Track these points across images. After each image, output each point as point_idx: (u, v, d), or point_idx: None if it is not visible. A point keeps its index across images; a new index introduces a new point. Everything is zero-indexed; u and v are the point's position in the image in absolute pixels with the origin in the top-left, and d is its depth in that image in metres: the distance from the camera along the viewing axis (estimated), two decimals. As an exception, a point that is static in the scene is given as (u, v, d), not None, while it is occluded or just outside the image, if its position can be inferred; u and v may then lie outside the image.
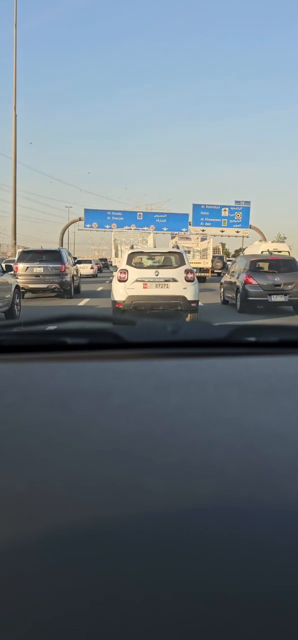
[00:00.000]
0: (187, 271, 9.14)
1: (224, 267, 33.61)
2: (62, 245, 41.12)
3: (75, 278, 15.90)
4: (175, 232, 41.39)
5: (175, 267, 9.28)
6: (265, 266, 11.56)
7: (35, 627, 0.31)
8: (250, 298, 10.87)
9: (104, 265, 42.14)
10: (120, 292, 8.97)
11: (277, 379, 0.80)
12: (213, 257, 34.94)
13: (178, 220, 41.61)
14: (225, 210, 42.12)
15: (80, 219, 41.73)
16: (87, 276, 28.26)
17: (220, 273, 32.79)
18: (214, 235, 42.79)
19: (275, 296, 10.78)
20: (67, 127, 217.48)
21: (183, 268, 9.18)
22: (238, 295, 11.26)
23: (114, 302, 9.16)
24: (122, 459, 0.51)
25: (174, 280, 9.00)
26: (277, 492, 0.46)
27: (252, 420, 0.61)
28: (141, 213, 41.43)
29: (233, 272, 12.47)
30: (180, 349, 0.92)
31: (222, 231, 42.15)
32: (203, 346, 0.95)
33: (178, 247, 12.99)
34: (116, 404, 0.66)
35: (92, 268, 30.95)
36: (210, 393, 0.71)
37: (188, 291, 8.99)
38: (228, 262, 37.63)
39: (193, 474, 0.48)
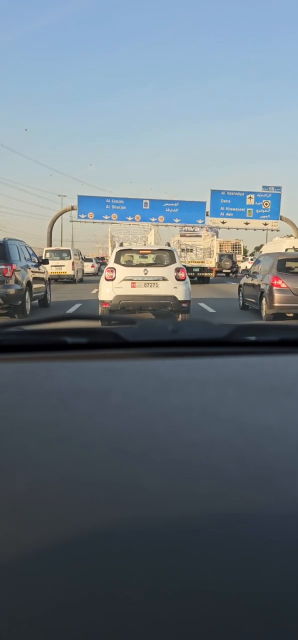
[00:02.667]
0: (177, 269, 8.72)
1: (233, 266, 29.51)
2: (50, 244, 34.01)
3: (37, 285, 10.59)
4: (188, 225, 34.15)
5: (165, 266, 8.84)
6: (295, 266, 10.05)
7: (34, 626, 0.31)
8: (278, 304, 9.40)
9: (102, 264, 35.38)
10: (108, 292, 8.57)
11: (277, 378, 0.80)
12: (222, 255, 32.04)
13: (193, 209, 34.20)
14: (250, 197, 34.59)
15: (72, 208, 34.41)
16: (89, 274, 28.89)
17: (228, 273, 30.16)
18: (237, 229, 35.30)
19: None
20: (71, 123, 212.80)
21: (173, 266, 8.76)
22: (263, 300, 9.88)
23: (101, 302, 8.67)
24: (121, 458, 0.51)
25: (164, 279, 8.60)
26: (277, 491, 0.46)
27: (252, 420, 0.62)
28: (147, 201, 34.04)
29: (255, 272, 11.08)
30: (180, 349, 0.93)
31: (247, 223, 34.66)
32: (204, 345, 0.95)
33: (169, 245, 10.71)
34: (116, 404, 0.67)
35: (93, 266, 31.10)
36: (210, 392, 0.72)
37: (179, 290, 8.59)
38: (250, 261, 31.57)
39: (193, 473, 0.48)
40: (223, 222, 34.30)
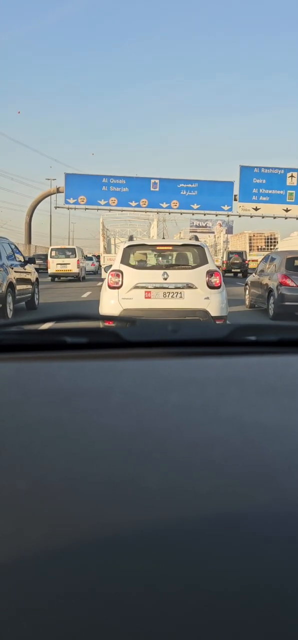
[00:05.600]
0: (210, 273, 6.12)
1: (242, 265, 26.43)
2: (29, 239, 25.98)
3: (22, 287, 9.59)
4: (211, 212, 26.19)
5: (193, 267, 6.23)
6: None
7: (35, 620, 0.32)
8: (287, 303, 9.18)
9: (99, 265, 28.83)
10: (112, 304, 6.02)
11: (277, 378, 0.81)
12: (231, 253, 27.26)
13: (216, 192, 26.16)
14: (292, 176, 26.69)
15: (58, 191, 26.26)
16: (89, 272, 29.12)
17: (237, 273, 26.38)
18: (274, 217, 27.18)
19: None
20: (75, 118, 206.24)
21: (204, 268, 6.15)
22: (272, 299, 9.64)
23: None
24: (122, 457, 0.52)
25: (191, 286, 6.06)
26: (277, 489, 0.47)
27: (252, 419, 0.62)
28: (157, 181, 26.06)
29: (262, 271, 10.75)
30: (180, 348, 0.93)
31: (287, 210, 26.58)
32: (204, 345, 0.96)
33: (197, 238, 7.46)
34: (116, 403, 0.67)
35: (93, 265, 31.44)
36: (210, 392, 0.72)
37: (213, 302, 6.03)
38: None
39: (193, 472, 0.49)
40: (256, 209, 26.32)
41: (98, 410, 0.64)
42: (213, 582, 0.35)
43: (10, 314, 8.85)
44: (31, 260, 11.07)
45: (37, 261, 26.97)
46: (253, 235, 29.56)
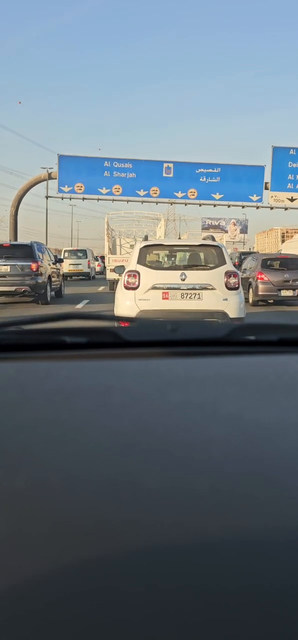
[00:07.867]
0: (229, 274, 6.09)
1: None
2: (15, 234, 21.53)
3: (55, 279, 12.99)
4: (235, 203, 21.66)
5: (212, 268, 6.18)
6: (275, 264, 12.60)
7: (34, 619, 0.32)
8: (261, 293, 12.05)
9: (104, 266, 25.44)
10: (128, 305, 5.91)
11: (276, 377, 0.81)
12: (243, 254, 24.02)
13: (244, 179, 21.50)
14: None
15: (50, 177, 21.69)
16: (97, 272, 29.94)
17: None
18: (314, 209, 22.35)
19: (284, 291, 11.95)
20: (79, 114, 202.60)
21: (223, 269, 6.13)
22: (251, 290, 12.42)
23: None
24: (122, 457, 0.52)
25: (207, 287, 6.00)
26: (276, 488, 0.47)
27: (252, 419, 0.63)
28: (170, 165, 21.38)
29: (244, 269, 13.54)
30: (179, 348, 0.93)
31: None
32: (203, 345, 0.96)
33: (213, 238, 7.16)
34: (116, 403, 0.68)
35: (99, 265, 32.11)
36: (209, 391, 0.72)
37: (231, 304, 6.01)
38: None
39: (193, 471, 0.50)
40: (291, 199, 21.57)
41: (97, 410, 0.65)
42: (213, 581, 0.35)
43: (49, 298, 11.97)
44: (60, 260, 14.28)
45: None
46: (287, 232, 24.80)
